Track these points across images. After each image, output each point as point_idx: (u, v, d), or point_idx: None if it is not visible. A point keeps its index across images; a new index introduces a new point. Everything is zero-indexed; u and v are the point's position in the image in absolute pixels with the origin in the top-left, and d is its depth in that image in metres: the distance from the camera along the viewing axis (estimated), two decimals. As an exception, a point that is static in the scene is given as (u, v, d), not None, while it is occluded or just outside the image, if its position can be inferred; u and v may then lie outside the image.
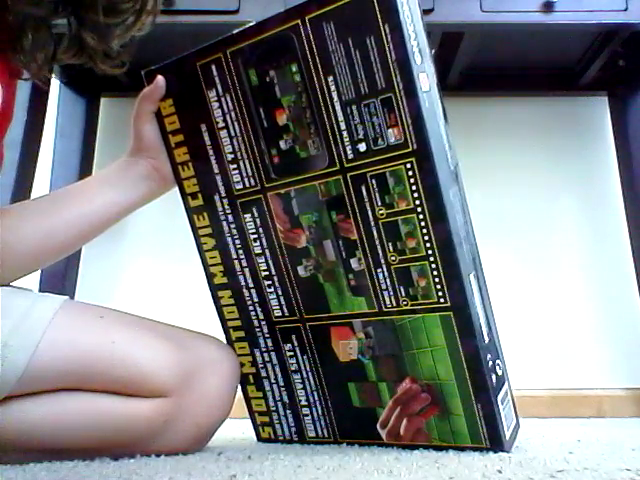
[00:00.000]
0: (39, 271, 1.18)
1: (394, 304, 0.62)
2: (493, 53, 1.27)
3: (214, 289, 0.73)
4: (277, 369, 0.71)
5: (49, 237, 0.67)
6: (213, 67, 0.66)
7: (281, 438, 0.73)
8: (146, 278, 1.34)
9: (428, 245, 0.59)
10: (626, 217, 1.27)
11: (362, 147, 0.60)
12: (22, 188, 1.06)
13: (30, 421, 0.61)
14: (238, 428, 0.87)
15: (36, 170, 1.13)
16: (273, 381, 0.72)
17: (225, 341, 0.73)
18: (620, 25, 1.08)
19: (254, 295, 0.70)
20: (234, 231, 0.70)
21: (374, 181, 0.60)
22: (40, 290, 1.13)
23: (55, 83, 1.26)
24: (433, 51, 0.61)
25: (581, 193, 1.36)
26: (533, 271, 1.32)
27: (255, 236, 0.68)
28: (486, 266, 0.64)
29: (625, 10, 1.05)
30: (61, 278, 1.19)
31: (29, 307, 0.61)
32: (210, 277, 0.73)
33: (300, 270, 0.66)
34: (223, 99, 0.66)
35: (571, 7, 1.05)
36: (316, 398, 0.70)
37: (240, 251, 0.70)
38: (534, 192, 1.35)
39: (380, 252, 0.62)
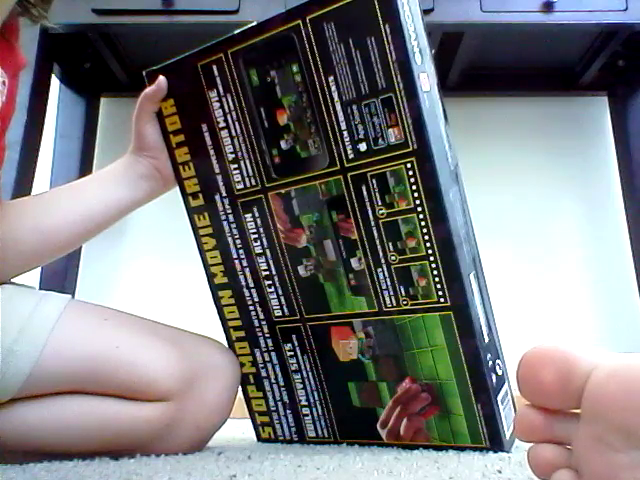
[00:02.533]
0: (39, 270, 1.18)
1: (394, 304, 0.62)
2: (493, 53, 1.27)
3: (214, 289, 0.73)
4: (277, 369, 0.71)
5: (50, 234, 0.67)
6: (214, 67, 0.66)
7: (281, 438, 0.73)
8: (146, 278, 1.34)
9: (428, 245, 0.59)
10: (626, 217, 1.27)
11: (362, 147, 0.60)
12: (22, 188, 1.06)
13: (33, 423, 0.61)
14: (238, 428, 0.87)
15: (36, 170, 1.13)
16: (273, 381, 0.72)
17: (225, 341, 0.73)
18: (620, 25, 1.08)
19: (254, 295, 0.70)
20: (235, 231, 0.70)
21: (374, 181, 0.60)
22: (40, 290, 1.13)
23: (55, 83, 1.25)
24: (433, 51, 0.61)
25: (581, 193, 1.36)
26: (533, 271, 1.32)
27: (256, 236, 0.68)
28: (486, 266, 0.64)
29: (625, 10, 1.05)
30: (61, 277, 1.19)
31: (32, 310, 0.61)
32: (210, 277, 0.73)
33: (300, 270, 0.66)
34: (224, 99, 0.66)
35: (571, 7, 1.06)
36: (316, 398, 0.70)
37: (240, 251, 0.70)
38: (534, 192, 1.35)
39: (380, 252, 0.62)
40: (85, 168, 1.26)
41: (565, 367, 0.33)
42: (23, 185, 1.07)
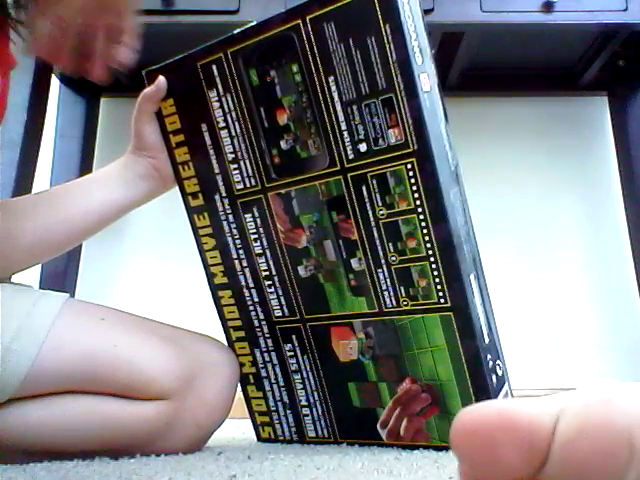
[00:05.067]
0: (39, 270, 1.18)
1: (394, 304, 0.62)
2: (493, 53, 1.27)
3: (214, 289, 0.73)
4: (277, 369, 0.71)
5: (48, 233, 0.67)
6: (214, 67, 0.66)
7: (281, 438, 0.73)
8: (146, 278, 1.34)
9: (428, 245, 0.59)
10: (626, 217, 1.27)
11: (363, 147, 0.60)
12: (22, 188, 1.06)
13: (32, 423, 0.61)
14: (238, 428, 0.87)
15: (36, 170, 1.13)
16: (273, 381, 0.72)
17: (225, 341, 0.73)
18: (620, 25, 1.08)
19: (254, 295, 0.70)
20: (234, 231, 0.69)
21: (375, 181, 0.60)
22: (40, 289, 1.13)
23: (55, 83, 1.25)
24: (433, 51, 0.61)
25: (581, 193, 1.36)
26: (533, 271, 1.32)
27: (255, 236, 0.68)
28: (486, 266, 0.64)
29: (625, 10, 1.05)
30: (61, 277, 1.19)
31: (30, 308, 0.61)
32: (210, 277, 0.73)
33: (300, 270, 0.66)
34: (224, 99, 0.66)
35: (571, 7, 1.05)
36: (316, 398, 0.70)
37: (240, 251, 0.70)
38: (534, 192, 1.35)
39: (380, 252, 0.62)
40: (85, 168, 1.26)
41: (525, 434, 0.28)
42: (23, 185, 1.07)
